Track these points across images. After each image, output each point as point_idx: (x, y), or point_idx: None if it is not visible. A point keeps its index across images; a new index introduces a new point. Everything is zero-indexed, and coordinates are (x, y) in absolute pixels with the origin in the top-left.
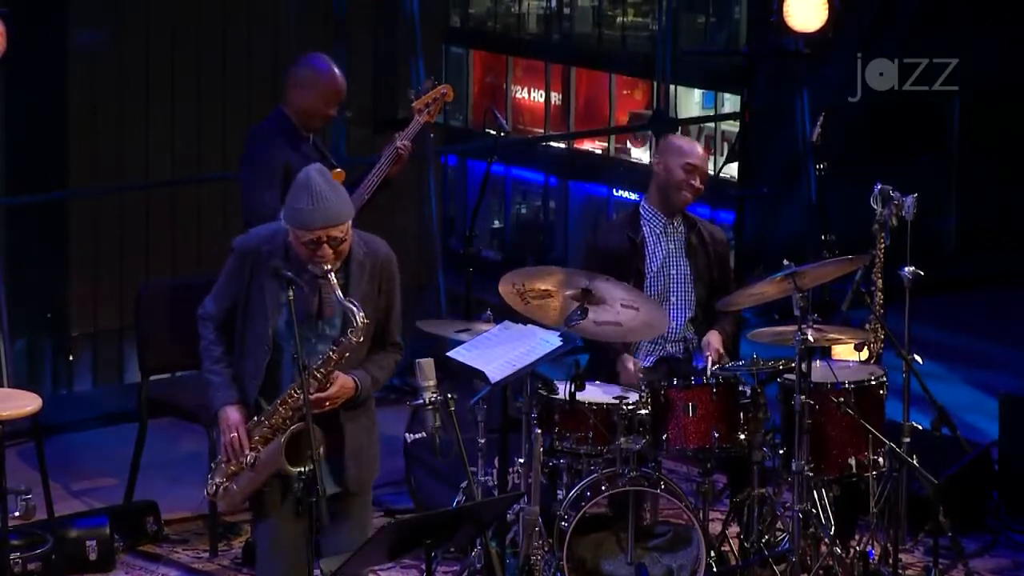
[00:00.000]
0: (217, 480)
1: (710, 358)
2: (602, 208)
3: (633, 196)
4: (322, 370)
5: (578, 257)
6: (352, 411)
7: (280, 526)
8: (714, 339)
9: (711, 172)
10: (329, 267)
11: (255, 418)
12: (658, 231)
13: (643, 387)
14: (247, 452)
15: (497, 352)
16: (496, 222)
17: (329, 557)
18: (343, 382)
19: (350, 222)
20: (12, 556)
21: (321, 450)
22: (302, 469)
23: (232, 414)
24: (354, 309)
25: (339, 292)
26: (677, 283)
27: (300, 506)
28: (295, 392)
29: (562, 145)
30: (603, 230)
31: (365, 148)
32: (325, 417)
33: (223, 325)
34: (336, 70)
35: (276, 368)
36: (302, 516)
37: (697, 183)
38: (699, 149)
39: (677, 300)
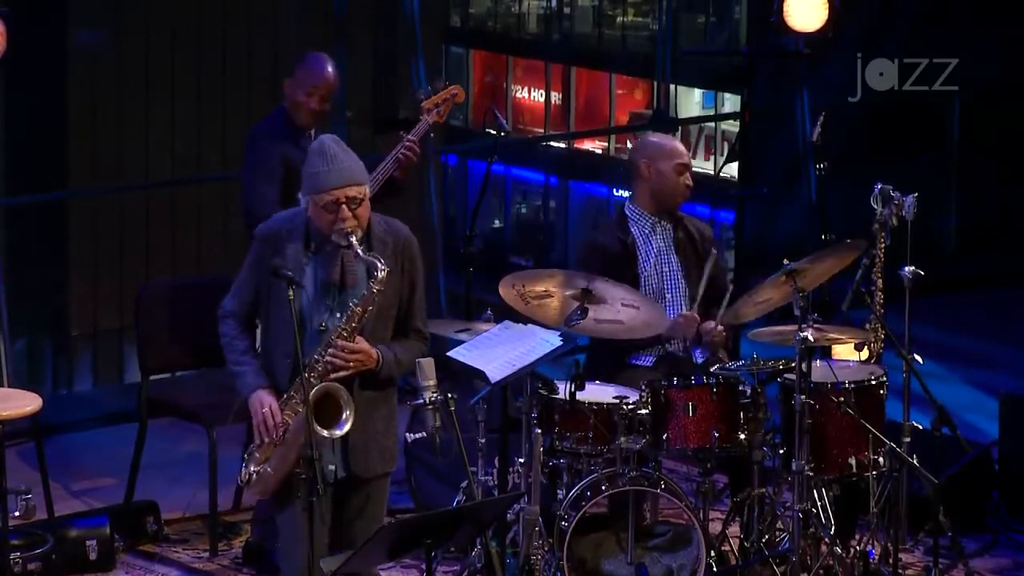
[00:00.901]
0: (252, 468)
1: (714, 340)
2: (602, 208)
3: None
4: (347, 327)
5: (574, 260)
6: (371, 395)
7: (305, 515)
8: (710, 324)
9: (711, 172)
10: (350, 230)
11: (283, 396)
12: (647, 231)
13: (643, 386)
14: (279, 427)
15: (497, 352)
16: (496, 222)
17: (328, 557)
18: (366, 347)
19: (367, 188)
20: (12, 556)
21: (349, 411)
22: (335, 432)
23: (264, 395)
24: (376, 262)
25: (359, 249)
26: (670, 280)
27: (322, 492)
28: (318, 356)
29: (562, 145)
30: (593, 234)
31: (365, 148)
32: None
33: (244, 321)
34: (324, 65)
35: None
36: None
37: (689, 180)
38: (682, 146)
39: (672, 298)
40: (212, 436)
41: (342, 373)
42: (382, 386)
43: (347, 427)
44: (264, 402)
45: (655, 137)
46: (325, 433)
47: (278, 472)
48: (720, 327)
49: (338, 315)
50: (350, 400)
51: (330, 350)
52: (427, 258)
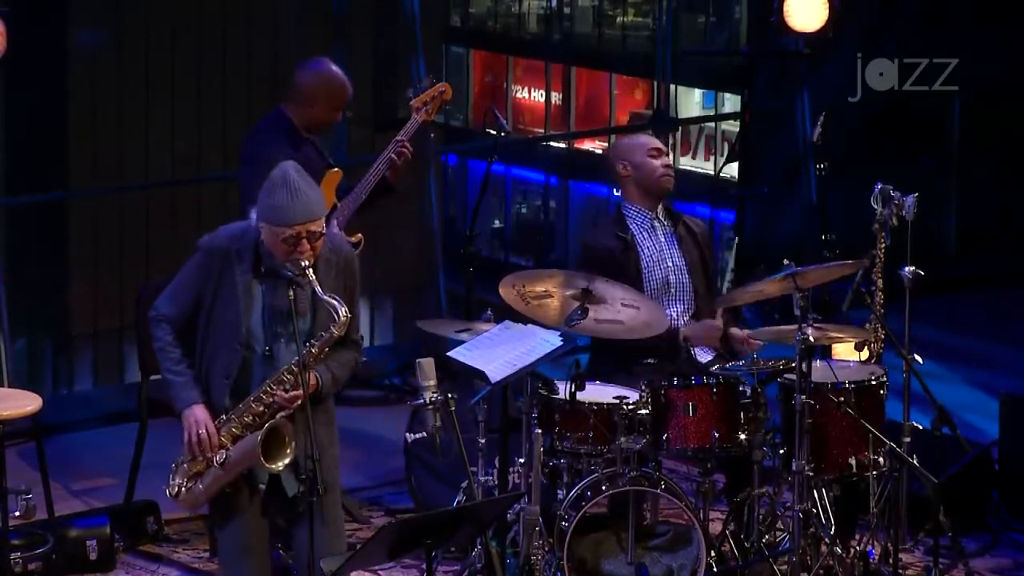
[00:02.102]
0: (178, 480)
1: (750, 345)
2: (602, 208)
3: None
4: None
5: (575, 261)
6: (313, 411)
7: (248, 526)
8: (739, 332)
9: (711, 172)
10: (307, 263)
11: (222, 416)
12: (646, 227)
13: (644, 386)
14: (217, 450)
15: (497, 352)
16: (496, 222)
17: (329, 557)
18: (309, 385)
19: (323, 220)
20: (12, 556)
21: (291, 448)
22: (278, 465)
23: (199, 412)
24: (336, 304)
25: (319, 288)
26: (675, 274)
27: (267, 506)
28: (271, 388)
29: (562, 145)
30: (593, 233)
31: (365, 148)
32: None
33: (178, 327)
34: (341, 74)
35: (245, 368)
36: (268, 515)
37: (667, 162)
38: (650, 136)
39: (676, 292)
40: None
41: (286, 413)
42: (321, 400)
43: (288, 460)
44: (200, 420)
45: (623, 138)
46: (268, 467)
47: (209, 490)
48: (756, 340)
49: (283, 341)
50: (293, 439)
51: (278, 393)
52: (427, 258)
